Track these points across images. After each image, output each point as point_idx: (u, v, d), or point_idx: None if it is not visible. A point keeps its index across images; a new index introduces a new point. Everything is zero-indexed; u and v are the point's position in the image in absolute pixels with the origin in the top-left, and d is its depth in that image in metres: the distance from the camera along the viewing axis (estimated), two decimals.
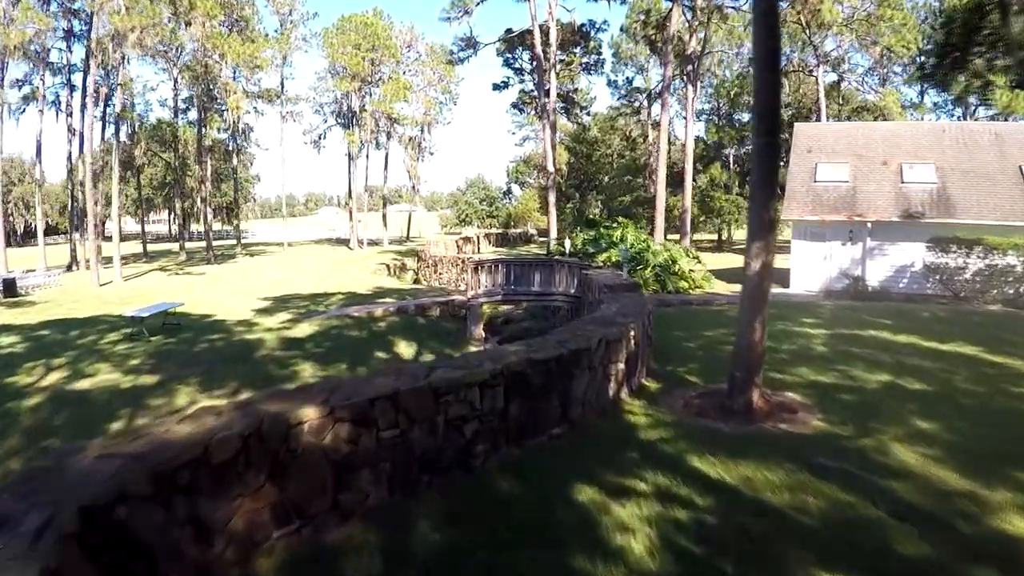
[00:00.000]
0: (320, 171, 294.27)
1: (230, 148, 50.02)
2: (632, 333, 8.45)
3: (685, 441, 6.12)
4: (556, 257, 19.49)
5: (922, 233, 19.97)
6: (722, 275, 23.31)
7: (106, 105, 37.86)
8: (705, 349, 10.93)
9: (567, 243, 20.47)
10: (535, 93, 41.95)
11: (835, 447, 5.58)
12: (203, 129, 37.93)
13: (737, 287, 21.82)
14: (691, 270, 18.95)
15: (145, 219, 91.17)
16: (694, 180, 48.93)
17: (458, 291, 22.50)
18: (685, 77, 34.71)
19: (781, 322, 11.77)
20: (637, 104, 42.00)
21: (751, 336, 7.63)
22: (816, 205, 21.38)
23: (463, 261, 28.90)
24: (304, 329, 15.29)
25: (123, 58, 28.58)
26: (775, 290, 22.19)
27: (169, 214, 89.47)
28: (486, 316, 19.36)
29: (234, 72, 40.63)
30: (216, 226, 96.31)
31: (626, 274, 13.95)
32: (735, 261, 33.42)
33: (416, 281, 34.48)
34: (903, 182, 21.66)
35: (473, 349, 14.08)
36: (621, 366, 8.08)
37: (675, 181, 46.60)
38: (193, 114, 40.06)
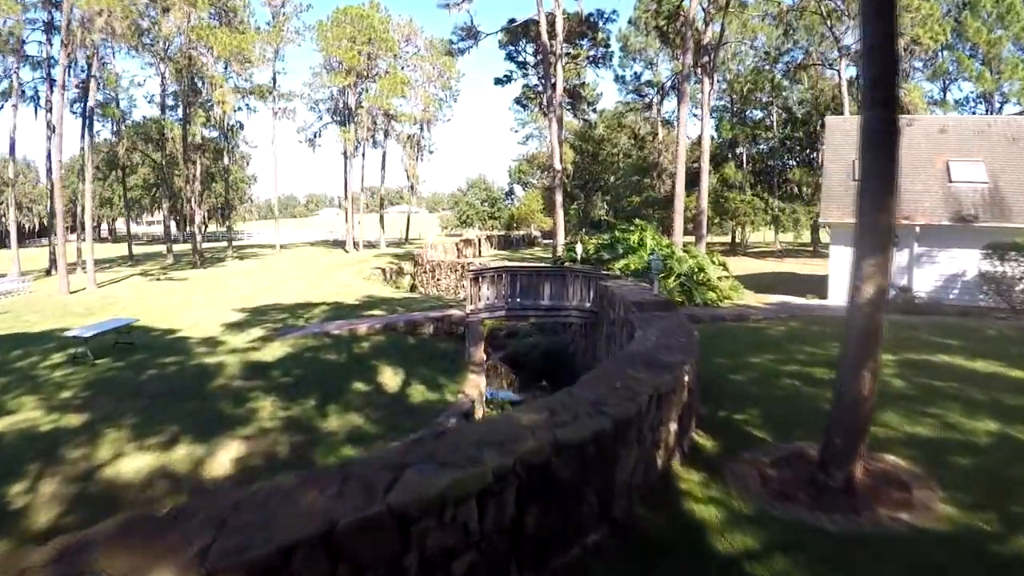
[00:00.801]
0: (321, 171, 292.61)
1: (221, 146, 47.87)
2: (686, 378, 6.29)
3: (783, 556, 4.03)
4: (567, 265, 17.29)
5: (975, 238, 17.76)
6: (743, 283, 21.14)
7: (85, 100, 35.79)
8: (760, 384, 8.81)
9: (578, 248, 18.29)
10: (539, 88, 39.82)
11: (990, 555, 3.91)
12: (187, 125, 35.73)
13: (768, 298, 19.64)
14: (719, 279, 16.75)
15: (137, 220, 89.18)
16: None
17: (457, 301, 20.37)
18: (700, 69, 32.51)
19: (835, 343, 9.62)
20: (648, 98, 39.75)
21: (857, 389, 5.51)
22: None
23: (462, 267, 26.74)
24: (274, 350, 13.11)
25: (96, 47, 26.43)
26: (811, 301, 19.99)
27: (193, 213, 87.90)
28: (487, 328, 17.19)
29: (225, 66, 38.49)
30: (212, 227, 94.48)
31: (656, 287, 11.76)
32: (754, 266, 31.09)
33: (413, 288, 32.32)
34: (951, 181, 19.44)
35: (472, 378, 11.90)
36: (673, 426, 5.95)
37: (686, 181, 44.43)
38: (182, 111, 37.80)
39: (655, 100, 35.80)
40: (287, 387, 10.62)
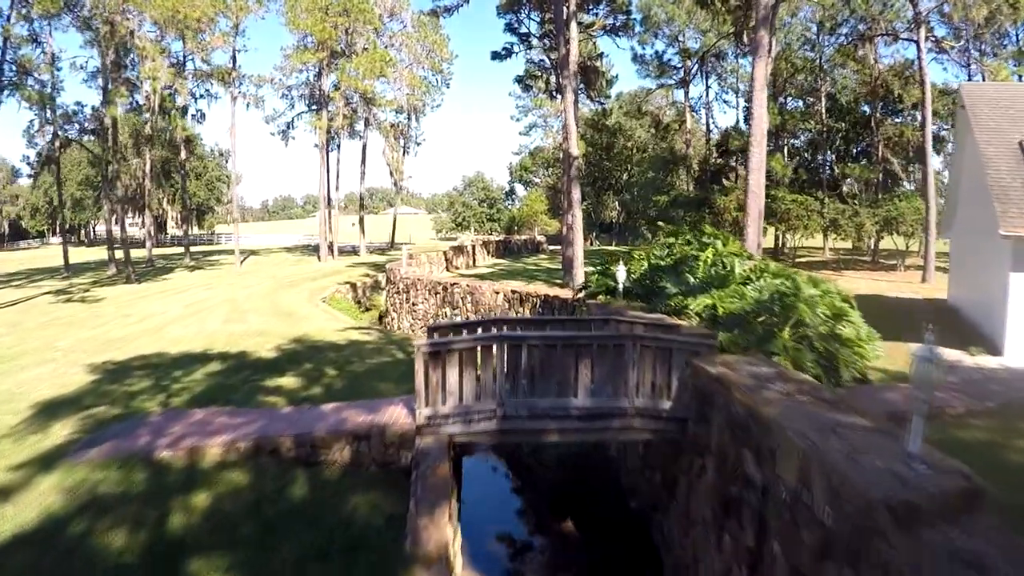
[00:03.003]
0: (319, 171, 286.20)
1: (176, 138, 40.91)
2: None
3: None
4: (614, 310, 10.23)
5: None
6: None
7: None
8: None
9: (620, 273, 11.35)
10: (545, 64, 32.77)
11: None
12: (106, 106, 28.67)
13: (901, 352, 12.32)
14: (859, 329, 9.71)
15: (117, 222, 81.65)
16: (741, 177, 39.70)
17: None
18: (748, 35, 25.48)
19: None
20: (682, 74, 32.58)
21: None
22: None
23: (445, 289, 19.73)
24: (24, 507, 6.22)
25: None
26: (980, 360, 12.70)
27: (164, 215, 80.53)
28: (450, 460, 9.80)
29: (160, 35, 31.48)
30: (196, 230, 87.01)
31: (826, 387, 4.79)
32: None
33: (382, 318, 25.27)
34: None
35: None
36: None
37: (710, 179, 37.40)
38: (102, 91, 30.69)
39: (694, 70, 28.43)
40: None
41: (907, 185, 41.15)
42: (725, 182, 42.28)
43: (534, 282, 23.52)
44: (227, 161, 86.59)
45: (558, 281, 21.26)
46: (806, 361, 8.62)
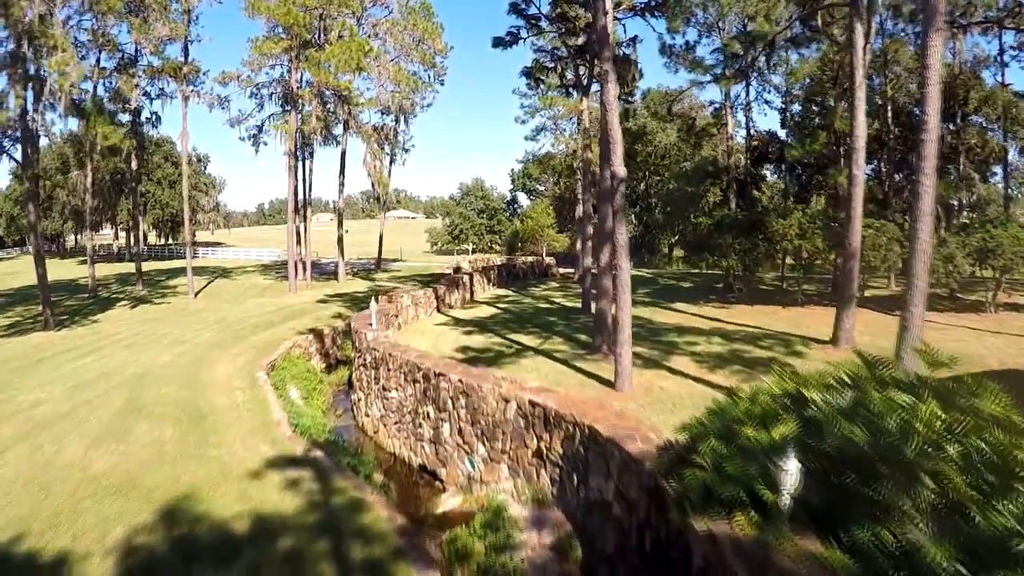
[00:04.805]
0: (319, 172, 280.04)
1: (121, 145, 34.50)
2: None
3: None
4: None
5: None
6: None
7: None
8: None
9: (790, 471, 4.95)
10: (559, 52, 26.51)
11: None
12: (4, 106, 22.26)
13: None
14: None
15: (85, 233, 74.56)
16: (804, 200, 33.35)
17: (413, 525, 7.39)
18: (825, 17, 19.23)
19: None
20: (722, 66, 26.08)
21: None
22: None
23: (427, 378, 13.40)
24: None
25: None
26: None
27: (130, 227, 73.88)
28: None
29: (65, 20, 25.12)
30: (177, 238, 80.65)
31: None
32: (958, 346, 17.31)
33: (352, 383, 18.76)
34: None
35: None
36: None
37: (737, 189, 31.00)
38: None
39: (750, 59, 21.79)
40: None
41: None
42: (756, 193, 36.03)
43: (555, 353, 17.25)
44: (205, 168, 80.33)
45: (598, 374, 14.81)
46: None
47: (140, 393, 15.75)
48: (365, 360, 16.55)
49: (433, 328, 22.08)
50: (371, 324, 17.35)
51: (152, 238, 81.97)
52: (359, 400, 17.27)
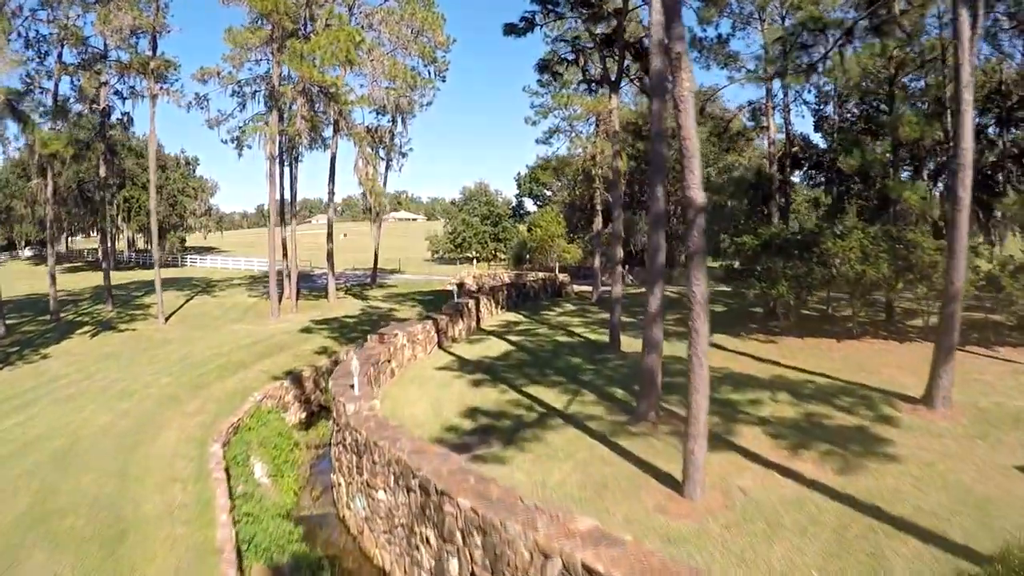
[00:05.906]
0: (316, 173, 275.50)
1: (68, 152, 30.58)
2: None
3: None
4: None
5: None
6: None
7: None
8: None
9: None
10: (581, 43, 22.70)
11: None
12: None
13: None
14: None
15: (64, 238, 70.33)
16: (837, 214, 29.38)
17: None
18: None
19: None
20: (764, 63, 22.15)
21: None
22: None
23: (426, 492, 9.47)
24: None
25: None
26: None
27: (116, 236, 69.84)
28: None
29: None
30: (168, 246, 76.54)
31: None
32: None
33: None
34: None
35: None
36: None
37: (762, 200, 26.97)
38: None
39: (828, 49, 17.79)
40: None
41: None
42: (782, 202, 32.18)
43: (589, 422, 13.58)
44: (194, 170, 76.34)
45: (653, 463, 11.08)
46: None
47: (55, 485, 11.97)
48: (345, 440, 12.76)
49: (434, 375, 18.30)
50: (352, 386, 13.53)
51: (141, 243, 77.99)
52: (339, 485, 13.49)
